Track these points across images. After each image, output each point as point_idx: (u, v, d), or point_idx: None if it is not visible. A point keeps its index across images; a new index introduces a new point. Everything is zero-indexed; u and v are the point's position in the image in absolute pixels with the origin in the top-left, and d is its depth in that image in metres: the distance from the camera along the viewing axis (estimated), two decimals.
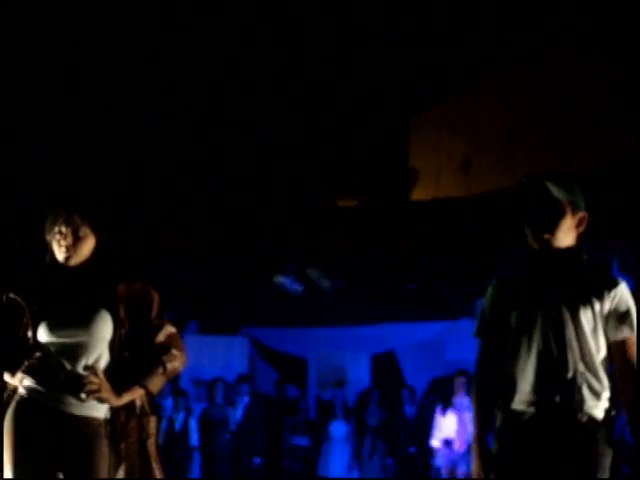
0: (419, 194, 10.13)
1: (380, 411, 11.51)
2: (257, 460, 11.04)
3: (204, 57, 8.24)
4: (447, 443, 9.83)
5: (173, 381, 10.78)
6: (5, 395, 3.82)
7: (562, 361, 3.38)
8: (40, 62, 7.93)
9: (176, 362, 3.89)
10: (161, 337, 3.88)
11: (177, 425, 10.79)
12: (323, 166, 9.43)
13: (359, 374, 13.07)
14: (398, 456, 11.22)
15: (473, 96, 9.71)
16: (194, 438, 10.85)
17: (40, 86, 8.09)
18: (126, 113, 8.62)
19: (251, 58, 8.39)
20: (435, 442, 10.16)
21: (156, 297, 3.92)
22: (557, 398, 3.37)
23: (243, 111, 9.02)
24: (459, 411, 9.64)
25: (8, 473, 3.67)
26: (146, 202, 8.91)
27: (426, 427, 11.26)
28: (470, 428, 8.72)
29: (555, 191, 3.46)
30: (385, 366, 13.14)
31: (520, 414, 3.42)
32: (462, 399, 9.60)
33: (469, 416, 8.95)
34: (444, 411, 9.79)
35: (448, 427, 9.76)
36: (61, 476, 3.73)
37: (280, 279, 11.09)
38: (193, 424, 10.87)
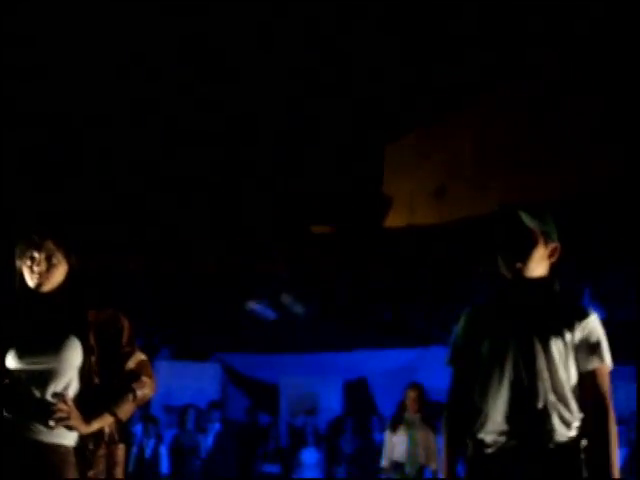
0: (393, 221, 10.17)
1: (354, 438, 11.47)
2: None
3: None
4: (397, 466, 8.54)
5: (144, 408, 10.69)
6: None
7: (533, 391, 3.38)
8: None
9: (146, 389, 3.86)
10: (131, 364, 3.85)
11: (147, 452, 10.69)
12: (297, 192, 9.44)
13: (331, 401, 13.01)
14: None
15: (447, 125, 9.78)
16: (164, 465, 10.75)
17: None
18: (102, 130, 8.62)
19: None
20: (385, 463, 8.80)
21: (126, 324, 3.89)
22: (528, 428, 3.36)
23: (220, 135, 9.03)
24: (410, 429, 8.88)
25: None
26: (116, 227, 8.89)
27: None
28: (423, 449, 8.44)
29: (528, 221, 3.47)
30: (357, 393, 13.09)
31: (491, 444, 3.41)
32: (413, 416, 8.86)
33: (419, 435, 8.51)
34: (395, 429, 8.54)
35: (399, 447, 8.92)
36: None
37: (253, 305, 11.07)
38: (163, 451, 10.77)
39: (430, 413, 8.63)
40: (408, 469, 8.38)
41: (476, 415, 3.45)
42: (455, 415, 3.54)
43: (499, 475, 3.37)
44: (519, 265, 3.48)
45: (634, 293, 9.58)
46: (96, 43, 8.00)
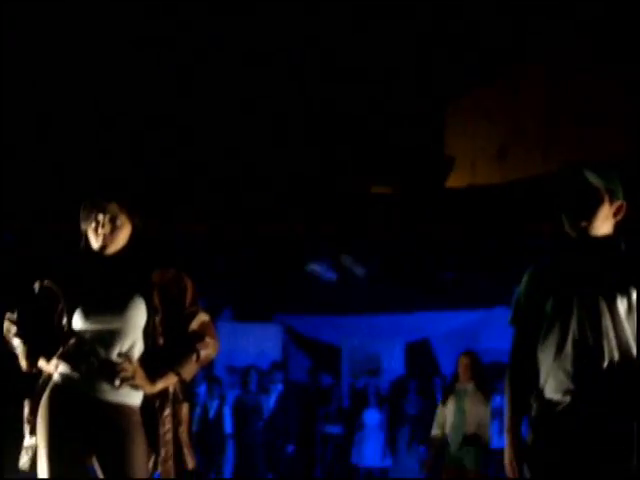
0: (455, 181, 10.09)
1: (417, 399, 11.47)
2: (290, 448, 11.03)
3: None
4: (445, 439, 8.02)
5: (207, 368, 10.80)
6: (40, 381, 3.83)
7: (598, 350, 3.34)
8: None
9: (209, 349, 3.90)
10: (195, 325, 3.88)
11: (211, 412, 10.80)
12: (358, 152, 9.41)
13: (393, 362, 13.03)
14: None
15: (510, 83, 9.65)
16: (228, 425, 10.85)
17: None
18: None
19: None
20: (435, 432, 8.23)
21: (190, 284, 3.92)
22: (594, 387, 3.33)
23: (275, 96, 9.01)
24: (460, 399, 7.88)
25: (43, 459, 3.69)
26: (179, 190, 8.93)
27: None
28: (473, 420, 7.86)
29: (593, 179, 3.43)
30: (420, 354, 13.09)
31: (555, 403, 3.39)
32: (465, 385, 7.93)
33: (468, 405, 7.90)
34: (445, 400, 8.07)
35: (449, 419, 7.91)
36: (95, 462, 3.74)
37: (314, 267, 11.08)
38: (227, 411, 10.87)
39: (485, 381, 8.17)
40: (453, 440, 7.91)
41: (539, 374, 3.43)
42: (518, 375, 3.52)
43: (565, 435, 3.35)
44: (584, 224, 3.44)
45: None
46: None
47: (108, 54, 8.21)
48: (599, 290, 3.39)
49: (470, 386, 8.04)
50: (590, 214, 3.43)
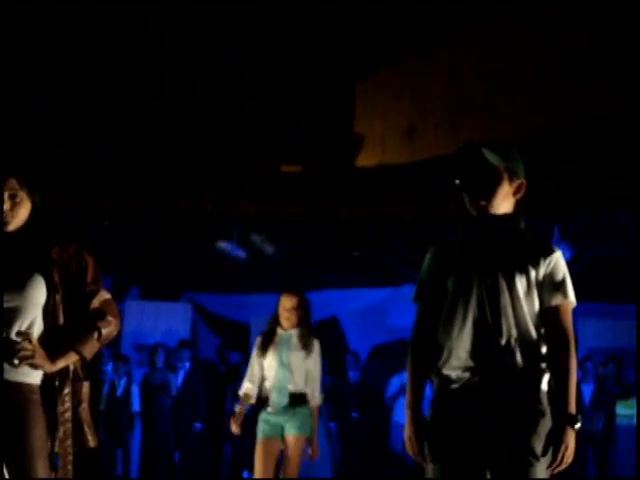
0: (364, 160, 10.12)
1: (327, 378, 11.53)
2: (198, 425, 11.03)
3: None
4: (262, 396, 6.75)
5: (114, 346, 10.73)
6: None
7: (497, 327, 3.39)
8: None
9: (111, 328, 3.85)
10: (96, 302, 3.83)
11: (119, 390, 10.73)
12: (267, 131, 9.37)
13: None
14: (341, 421, 11.26)
15: (419, 62, 9.70)
16: (136, 403, 10.80)
17: None
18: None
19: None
20: (243, 390, 6.91)
21: (91, 262, 3.86)
22: (491, 364, 3.38)
23: (190, 74, 8.93)
24: (282, 349, 6.55)
25: None
26: (83, 164, 8.80)
27: (369, 393, 11.34)
28: (299, 374, 6.57)
29: (492, 157, 3.45)
30: (328, 332, 13.15)
31: (455, 380, 3.43)
32: (288, 332, 6.64)
33: (293, 357, 6.59)
34: (264, 349, 6.70)
35: (268, 373, 6.62)
36: None
37: (223, 245, 11.05)
38: (135, 389, 10.83)
39: (313, 328, 6.85)
40: (275, 399, 6.55)
41: (440, 351, 3.47)
42: (420, 351, 3.55)
43: (463, 411, 3.39)
44: (483, 202, 3.47)
45: (604, 232, 9.64)
46: None
47: None
48: (498, 269, 3.43)
49: (295, 333, 6.68)
50: (489, 193, 3.46)
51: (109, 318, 3.84)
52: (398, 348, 11.77)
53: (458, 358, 3.42)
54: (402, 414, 9.76)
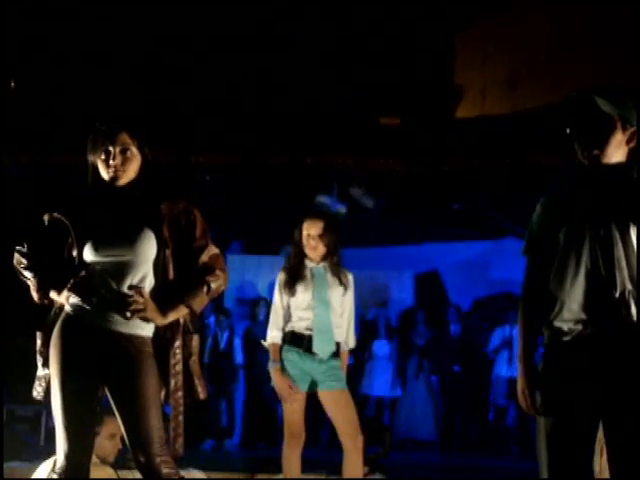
0: (464, 112, 10.00)
1: (427, 330, 11.52)
2: None
3: None
4: (294, 339, 5.68)
5: (217, 300, 10.84)
6: (52, 313, 3.85)
7: (610, 279, 3.32)
8: None
9: (220, 282, 3.89)
10: (205, 257, 3.87)
11: (222, 344, 10.86)
12: (366, 84, 9.31)
13: (402, 294, 13.04)
14: (443, 374, 11.25)
15: (519, 11, 9.51)
16: (239, 356, 10.93)
17: None
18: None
19: None
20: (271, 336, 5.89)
21: (199, 217, 3.91)
22: (605, 316, 3.32)
23: (288, 31, 8.92)
24: (316, 285, 5.64)
25: (56, 389, 3.71)
26: (190, 123, 8.88)
27: (470, 346, 11.29)
28: (340, 314, 5.64)
29: (604, 105, 3.36)
30: (429, 286, 13.11)
31: (567, 332, 3.38)
32: (318, 265, 5.75)
33: (332, 293, 5.59)
34: (292, 286, 5.71)
35: (299, 314, 6.08)
36: (108, 393, 3.76)
37: (322, 199, 11.06)
38: (237, 342, 10.94)
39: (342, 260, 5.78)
40: (318, 344, 5.52)
41: (552, 304, 3.41)
42: (531, 304, 3.50)
43: (576, 363, 3.35)
44: (596, 152, 3.38)
45: None
46: None
47: None
48: (612, 220, 3.35)
49: (327, 265, 5.71)
50: (602, 142, 3.37)
51: (218, 272, 3.88)
52: (500, 301, 11.69)
53: (570, 311, 3.37)
54: (504, 367, 9.74)
